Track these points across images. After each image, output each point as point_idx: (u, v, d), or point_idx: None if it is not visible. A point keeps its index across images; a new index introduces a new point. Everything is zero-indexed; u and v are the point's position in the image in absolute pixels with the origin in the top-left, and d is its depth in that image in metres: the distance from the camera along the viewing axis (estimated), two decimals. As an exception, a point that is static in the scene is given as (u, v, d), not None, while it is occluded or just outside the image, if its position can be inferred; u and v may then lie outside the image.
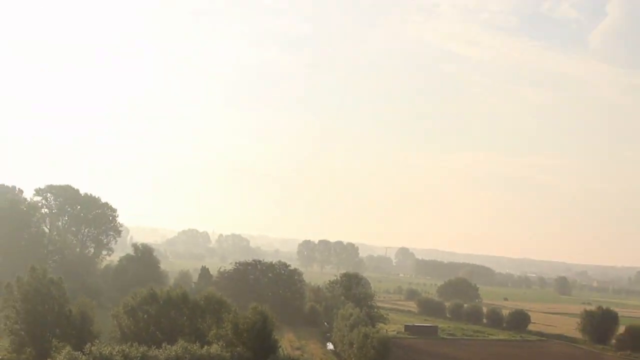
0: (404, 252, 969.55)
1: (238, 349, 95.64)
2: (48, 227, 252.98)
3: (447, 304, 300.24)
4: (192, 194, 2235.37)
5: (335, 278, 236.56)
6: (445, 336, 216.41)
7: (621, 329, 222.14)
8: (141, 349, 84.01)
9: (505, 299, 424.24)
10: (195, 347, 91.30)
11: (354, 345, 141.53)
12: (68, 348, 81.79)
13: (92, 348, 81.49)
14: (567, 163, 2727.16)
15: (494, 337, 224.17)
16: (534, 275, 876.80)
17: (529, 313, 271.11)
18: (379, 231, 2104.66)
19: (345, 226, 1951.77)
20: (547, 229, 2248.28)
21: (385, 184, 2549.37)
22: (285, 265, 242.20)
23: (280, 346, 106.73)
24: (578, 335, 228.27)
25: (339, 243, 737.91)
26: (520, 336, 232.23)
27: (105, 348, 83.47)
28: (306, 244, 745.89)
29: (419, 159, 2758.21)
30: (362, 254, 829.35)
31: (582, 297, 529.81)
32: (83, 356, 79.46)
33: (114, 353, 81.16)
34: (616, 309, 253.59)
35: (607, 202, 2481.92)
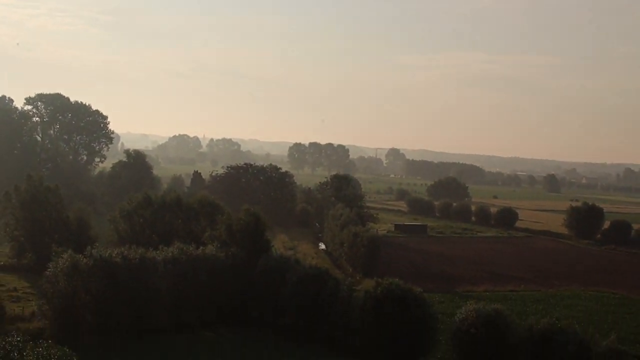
0: (394, 153, 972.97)
1: (232, 249, 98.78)
2: (40, 135, 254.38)
3: (436, 203, 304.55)
4: (183, 100, 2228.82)
5: (325, 180, 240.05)
6: (434, 234, 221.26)
7: (606, 225, 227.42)
8: (139, 251, 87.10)
9: (495, 197, 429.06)
10: (190, 248, 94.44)
11: (345, 244, 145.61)
12: (70, 251, 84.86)
13: (93, 251, 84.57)
14: (556, 61, 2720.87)
15: (482, 234, 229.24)
16: (523, 173, 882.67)
17: (517, 211, 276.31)
18: (370, 133, 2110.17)
19: (336, 128, 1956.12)
20: (537, 128, 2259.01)
21: (375, 85, 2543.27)
22: (276, 168, 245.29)
23: (272, 246, 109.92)
24: (564, 231, 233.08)
25: (330, 145, 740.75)
26: (508, 233, 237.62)
27: (105, 251, 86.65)
28: (297, 146, 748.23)
29: (410, 59, 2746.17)
30: (353, 155, 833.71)
31: (571, 194, 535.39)
32: (84, 259, 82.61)
33: (114, 255, 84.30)
34: (603, 205, 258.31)
35: (597, 101, 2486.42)
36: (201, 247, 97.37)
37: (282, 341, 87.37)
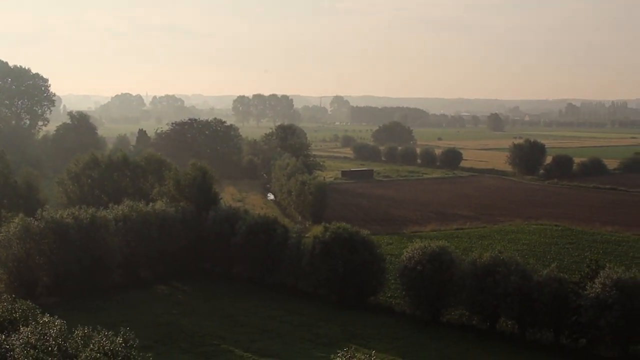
0: (338, 100, 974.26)
1: (181, 203, 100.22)
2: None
3: (381, 148, 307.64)
4: (123, 58, 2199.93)
5: (270, 131, 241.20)
6: (380, 179, 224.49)
7: (549, 160, 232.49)
8: (90, 211, 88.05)
9: (439, 139, 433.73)
10: (140, 205, 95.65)
11: (292, 193, 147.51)
12: (21, 215, 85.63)
13: (43, 213, 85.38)
14: (495, 0, 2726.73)
15: (428, 176, 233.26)
16: (467, 114, 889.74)
17: (462, 151, 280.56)
18: (314, 82, 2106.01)
19: (280, 79, 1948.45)
20: (479, 68, 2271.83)
21: (315, 33, 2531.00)
22: (221, 122, 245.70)
23: (221, 198, 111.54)
24: (508, 168, 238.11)
25: (274, 96, 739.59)
26: (453, 173, 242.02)
27: (55, 212, 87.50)
28: (241, 99, 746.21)
29: (348, 4, 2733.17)
30: (298, 105, 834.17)
31: (515, 132, 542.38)
32: (35, 221, 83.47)
33: (64, 216, 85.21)
34: (545, 141, 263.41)
35: (537, 37, 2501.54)
36: (151, 204, 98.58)
37: (234, 290, 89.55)
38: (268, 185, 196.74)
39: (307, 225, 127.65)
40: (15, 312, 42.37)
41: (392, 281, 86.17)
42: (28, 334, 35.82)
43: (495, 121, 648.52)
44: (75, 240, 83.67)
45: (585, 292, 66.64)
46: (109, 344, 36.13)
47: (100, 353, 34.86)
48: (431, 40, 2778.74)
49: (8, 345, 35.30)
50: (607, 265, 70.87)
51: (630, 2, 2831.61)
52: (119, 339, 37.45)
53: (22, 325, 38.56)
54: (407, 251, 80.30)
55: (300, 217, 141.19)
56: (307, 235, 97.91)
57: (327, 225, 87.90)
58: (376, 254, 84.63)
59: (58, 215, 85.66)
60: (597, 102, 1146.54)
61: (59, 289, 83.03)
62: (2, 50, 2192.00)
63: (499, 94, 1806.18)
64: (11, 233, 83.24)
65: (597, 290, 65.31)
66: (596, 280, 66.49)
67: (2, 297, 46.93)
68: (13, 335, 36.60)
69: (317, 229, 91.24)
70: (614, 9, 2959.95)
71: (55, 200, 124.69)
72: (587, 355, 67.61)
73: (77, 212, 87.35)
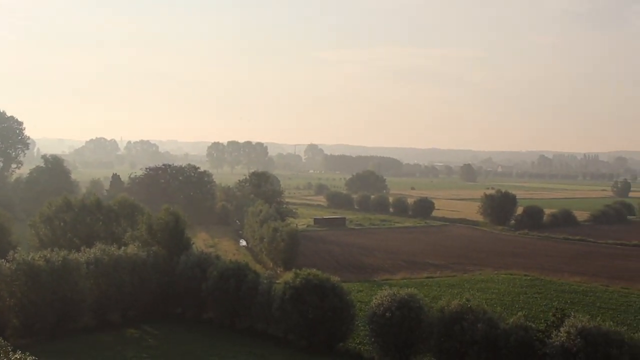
0: (312, 148, 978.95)
1: (153, 248, 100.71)
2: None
3: (354, 196, 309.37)
4: (98, 102, 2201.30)
5: (244, 177, 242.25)
6: (353, 226, 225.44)
7: (520, 210, 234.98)
8: (62, 253, 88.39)
9: (412, 189, 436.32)
10: (112, 249, 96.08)
11: (265, 239, 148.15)
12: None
13: (15, 255, 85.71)
14: (472, 54, 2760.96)
15: (400, 225, 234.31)
16: (440, 164, 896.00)
17: (434, 200, 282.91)
18: (288, 130, 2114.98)
19: (254, 127, 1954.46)
20: (454, 119, 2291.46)
21: (291, 82, 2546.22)
22: (195, 168, 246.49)
23: (193, 243, 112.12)
24: (479, 218, 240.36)
25: (248, 143, 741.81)
26: (425, 222, 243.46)
27: (27, 254, 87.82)
28: (215, 145, 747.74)
29: (326, 54, 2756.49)
30: (272, 152, 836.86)
31: (487, 182, 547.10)
32: (6, 263, 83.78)
33: (37, 258, 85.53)
34: (517, 192, 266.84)
35: (511, 90, 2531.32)
36: (123, 248, 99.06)
37: (205, 335, 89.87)
38: (241, 232, 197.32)
39: (279, 271, 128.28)
40: None
41: (362, 328, 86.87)
42: None
43: (468, 172, 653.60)
44: (47, 283, 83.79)
45: (551, 340, 67.73)
46: None
47: None
48: (406, 91, 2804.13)
49: None
50: (572, 314, 72.08)
51: (603, 58, 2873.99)
52: None
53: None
54: (376, 298, 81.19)
55: (272, 264, 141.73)
56: (278, 281, 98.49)
57: (298, 271, 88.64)
58: (346, 300, 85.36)
59: (30, 258, 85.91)
60: (569, 155, 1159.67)
61: (29, 331, 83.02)
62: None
63: (472, 145, 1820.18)
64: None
65: (562, 339, 66.41)
66: (561, 329, 67.66)
67: None
68: None
69: (288, 275, 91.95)
70: (587, 64, 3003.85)
71: (27, 243, 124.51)
72: (553, 403, 68.41)
73: (49, 255, 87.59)
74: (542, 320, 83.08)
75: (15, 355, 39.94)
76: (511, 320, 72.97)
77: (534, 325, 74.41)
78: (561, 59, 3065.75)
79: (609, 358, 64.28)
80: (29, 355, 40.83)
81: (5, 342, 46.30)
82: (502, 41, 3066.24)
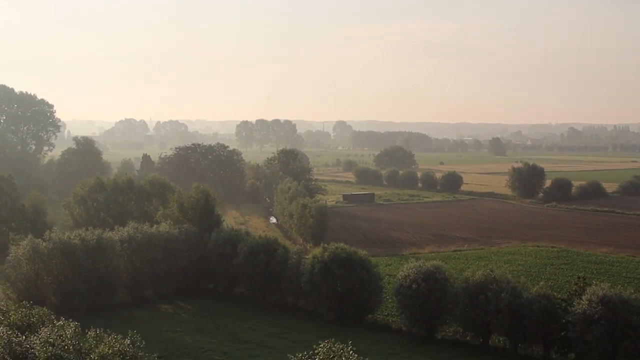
0: (341, 125, 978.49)
1: (185, 225, 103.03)
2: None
3: (383, 172, 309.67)
4: (127, 84, 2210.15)
5: (273, 155, 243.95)
6: (381, 202, 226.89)
7: (548, 183, 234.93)
8: (96, 232, 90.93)
9: (441, 163, 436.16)
10: (145, 227, 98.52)
11: (294, 216, 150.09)
12: (30, 236, 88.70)
13: (51, 235, 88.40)
14: (499, 26, 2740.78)
15: (428, 199, 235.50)
16: (469, 138, 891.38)
17: (463, 175, 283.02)
18: (317, 107, 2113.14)
19: (283, 105, 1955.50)
20: (483, 93, 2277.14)
21: (319, 59, 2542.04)
22: (224, 147, 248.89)
23: (223, 220, 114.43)
24: (508, 191, 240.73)
25: (276, 121, 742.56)
26: (453, 197, 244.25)
27: (63, 234, 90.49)
28: (244, 124, 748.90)
29: (353, 31, 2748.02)
30: (300, 130, 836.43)
31: (516, 156, 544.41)
32: (43, 242, 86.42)
33: (72, 237, 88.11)
34: (546, 165, 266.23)
35: (540, 62, 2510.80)
36: (155, 226, 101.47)
37: (237, 309, 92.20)
38: (270, 209, 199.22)
39: (308, 247, 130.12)
40: (33, 317, 45.72)
41: (390, 300, 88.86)
42: (47, 334, 38.96)
43: (497, 145, 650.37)
44: (82, 261, 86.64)
45: (573, 308, 69.24)
46: (118, 345, 39.29)
47: (110, 351, 38.00)
48: (435, 65, 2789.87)
49: (28, 344, 38.40)
50: (594, 282, 73.41)
51: (633, 29, 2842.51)
52: (127, 341, 40.59)
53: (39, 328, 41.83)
54: (402, 270, 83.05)
55: (301, 240, 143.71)
56: (307, 256, 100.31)
57: (326, 245, 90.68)
58: (373, 273, 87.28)
59: (66, 237, 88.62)
60: (599, 126, 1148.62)
61: (67, 308, 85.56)
62: (7, 77, 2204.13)
63: (501, 119, 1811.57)
64: (20, 254, 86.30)
65: (584, 307, 67.89)
66: (583, 297, 69.14)
67: (21, 303, 50.23)
68: (32, 336, 39.78)
69: (317, 250, 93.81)
70: (617, 35, 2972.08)
71: (61, 223, 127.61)
72: (576, 369, 70.17)
73: (84, 234, 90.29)
74: (567, 290, 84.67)
75: (59, 322, 42.37)
76: (534, 289, 74.53)
77: (555, 294, 76.05)
78: (591, 30, 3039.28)
79: (629, 324, 65.79)
80: (71, 321, 43.23)
81: (48, 310, 48.98)
82: (532, 13, 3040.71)
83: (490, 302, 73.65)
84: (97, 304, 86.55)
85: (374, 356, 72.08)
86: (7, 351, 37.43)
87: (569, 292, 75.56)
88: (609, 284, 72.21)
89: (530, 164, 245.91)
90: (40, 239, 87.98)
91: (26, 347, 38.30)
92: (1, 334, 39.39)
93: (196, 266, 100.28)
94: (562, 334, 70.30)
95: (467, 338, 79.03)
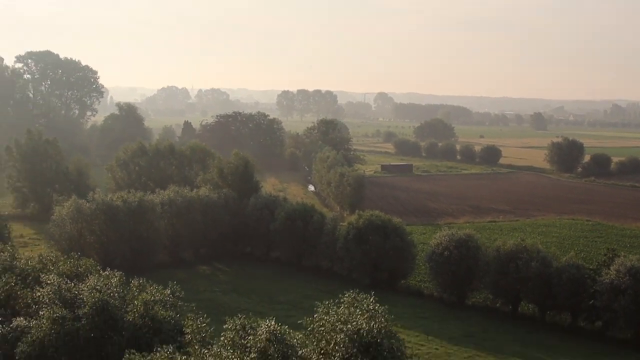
0: (382, 97, 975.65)
1: (224, 190, 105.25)
2: (32, 92, 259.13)
3: (422, 143, 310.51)
4: (169, 51, 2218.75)
5: (312, 125, 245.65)
6: (419, 173, 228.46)
7: (587, 158, 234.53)
8: (138, 194, 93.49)
9: (481, 137, 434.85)
10: (185, 191, 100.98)
11: (332, 184, 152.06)
12: (74, 197, 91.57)
13: (95, 196, 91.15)
14: (544, 0, 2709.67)
15: (466, 172, 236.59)
16: (511, 113, 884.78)
17: (502, 148, 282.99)
18: (358, 78, 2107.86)
19: (324, 75, 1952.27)
20: (526, 67, 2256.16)
21: (362, 30, 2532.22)
22: (265, 116, 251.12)
23: (262, 186, 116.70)
24: (547, 166, 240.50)
25: (317, 92, 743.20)
26: (492, 169, 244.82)
27: (106, 195, 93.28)
28: (285, 94, 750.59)
29: (396, 3, 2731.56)
30: (341, 101, 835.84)
31: (558, 131, 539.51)
32: (87, 203, 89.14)
33: (114, 199, 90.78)
34: (587, 141, 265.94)
35: (584, 38, 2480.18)
36: (195, 190, 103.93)
37: (273, 272, 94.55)
38: (309, 177, 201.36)
39: (345, 215, 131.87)
40: (80, 267, 48.38)
41: (422, 266, 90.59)
42: (94, 282, 41.47)
43: (539, 120, 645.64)
44: (124, 222, 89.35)
45: (601, 278, 70.63)
46: (159, 295, 41.69)
47: (152, 299, 40.43)
48: (477, 39, 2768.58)
49: (77, 291, 40.93)
50: (623, 254, 74.67)
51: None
52: (167, 291, 43.01)
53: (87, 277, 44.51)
54: (435, 237, 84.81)
55: (338, 208, 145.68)
56: (343, 223, 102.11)
57: (361, 212, 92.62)
58: (407, 240, 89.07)
59: (108, 198, 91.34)
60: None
61: (109, 267, 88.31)
62: (53, 43, 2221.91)
63: (544, 94, 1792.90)
64: (64, 213, 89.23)
65: (612, 277, 69.36)
66: (611, 267, 70.52)
67: (70, 254, 52.90)
68: (80, 284, 42.36)
69: (352, 217, 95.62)
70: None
71: (103, 186, 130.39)
72: (603, 336, 71.80)
73: (126, 196, 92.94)
74: (597, 262, 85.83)
75: (105, 272, 44.92)
76: (564, 259, 75.93)
77: (586, 265, 77.45)
78: (636, 5, 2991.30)
79: (656, 295, 67.07)
80: (116, 271, 45.76)
81: (94, 261, 51.66)
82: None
83: (520, 270, 75.23)
84: (137, 264, 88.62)
85: (406, 319, 74.07)
86: (57, 297, 40.10)
87: (598, 262, 76.88)
88: (638, 256, 73.34)
89: (570, 138, 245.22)
90: (83, 200, 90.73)
91: (74, 293, 40.92)
92: (52, 281, 42.15)
93: (234, 230, 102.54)
94: (590, 302, 71.80)
95: (497, 305, 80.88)
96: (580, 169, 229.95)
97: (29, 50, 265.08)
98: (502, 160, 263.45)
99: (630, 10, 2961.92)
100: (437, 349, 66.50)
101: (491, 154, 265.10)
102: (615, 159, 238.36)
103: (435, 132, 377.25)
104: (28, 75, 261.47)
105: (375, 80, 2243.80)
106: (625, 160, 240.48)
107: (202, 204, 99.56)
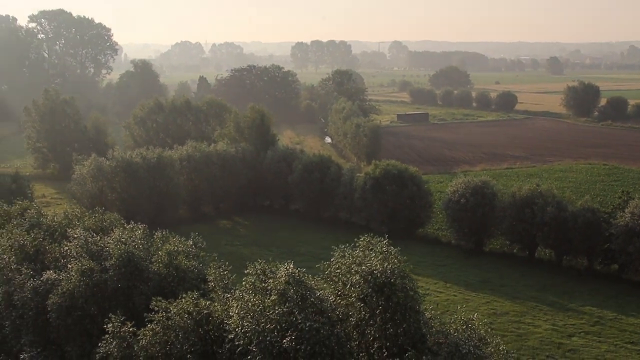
0: (397, 45, 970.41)
1: (241, 144, 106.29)
2: (47, 52, 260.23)
3: (437, 92, 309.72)
4: (181, 5, 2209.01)
5: (327, 76, 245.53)
6: (435, 122, 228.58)
7: (603, 102, 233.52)
8: (156, 151, 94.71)
9: (497, 83, 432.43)
10: (203, 146, 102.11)
11: (348, 135, 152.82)
12: (94, 155, 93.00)
13: (114, 153, 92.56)
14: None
15: (482, 119, 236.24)
16: (527, 58, 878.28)
17: (518, 94, 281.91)
18: (372, 27, 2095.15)
19: (338, 25, 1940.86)
20: (541, 10, 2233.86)
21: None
22: (279, 68, 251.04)
23: (278, 139, 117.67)
24: (563, 110, 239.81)
25: (332, 42, 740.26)
26: (508, 116, 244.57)
27: (125, 153, 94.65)
28: (299, 46, 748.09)
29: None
30: (356, 51, 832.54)
31: (574, 75, 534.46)
32: (107, 161, 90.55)
33: (134, 156, 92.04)
34: (604, 84, 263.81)
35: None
36: (212, 145, 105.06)
37: (292, 224, 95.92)
38: (325, 129, 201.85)
39: (362, 165, 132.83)
40: (105, 222, 49.89)
41: (440, 215, 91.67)
42: (119, 234, 43.00)
43: (555, 65, 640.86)
44: (144, 178, 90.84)
45: (616, 221, 71.43)
46: (182, 245, 43.22)
47: (175, 249, 42.04)
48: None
49: (103, 243, 42.47)
50: (637, 196, 75.39)
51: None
52: (190, 242, 44.49)
53: (112, 231, 46.12)
54: (451, 185, 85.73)
55: (355, 159, 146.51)
56: (360, 174, 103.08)
57: (378, 162, 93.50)
58: (424, 189, 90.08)
59: (127, 155, 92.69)
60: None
61: (130, 223, 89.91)
62: (65, 1, 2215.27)
63: (560, 37, 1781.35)
64: (85, 172, 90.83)
65: (627, 219, 70.13)
66: (626, 210, 71.27)
67: (95, 209, 54.40)
68: (105, 237, 43.95)
69: (369, 167, 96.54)
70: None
71: (122, 144, 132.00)
72: (619, 279, 72.77)
73: (144, 152, 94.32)
74: (612, 205, 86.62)
75: (129, 225, 46.36)
76: (579, 203, 76.68)
77: (600, 208, 78.24)
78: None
79: (671, 237, 67.86)
80: (140, 224, 47.25)
81: (119, 215, 53.18)
82: None
83: (536, 215, 76.13)
84: (158, 219, 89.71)
85: (425, 267, 75.59)
86: (84, 250, 41.79)
87: (613, 206, 77.63)
88: (652, 198, 74.16)
89: (586, 82, 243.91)
90: (103, 158, 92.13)
91: (101, 245, 42.64)
92: (79, 235, 43.75)
93: (253, 183, 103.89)
94: (606, 246, 72.74)
95: (514, 251, 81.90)
96: (596, 113, 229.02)
97: (41, 9, 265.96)
98: (518, 107, 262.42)
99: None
100: (455, 295, 67.88)
101: (507, 101, 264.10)
102: (632, 102, 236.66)
103: (450, 80, 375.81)
104: (42, 35, 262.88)
105: (390, 28, 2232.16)
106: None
107: (220, 159, 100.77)
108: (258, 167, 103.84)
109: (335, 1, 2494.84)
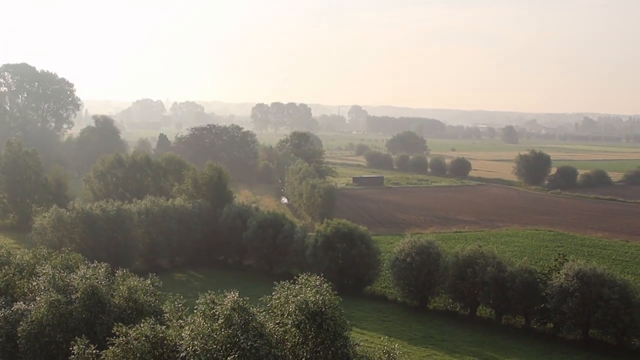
0: (356, 110, 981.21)
1: (199, 200, 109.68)
2: (8, 105, 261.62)
3: (394, 156, 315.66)
4: (144, 64, 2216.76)
5: (285, 137, 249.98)
6: (390, 185, 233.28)
7: (554, 171, 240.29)
8: (116, 204, 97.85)
9: (453, 150, 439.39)
10: (161, 201, 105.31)
11: (304, 195, 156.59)
12: (55, 206, 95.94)
13: (75, 205, 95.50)
14: (515, 13, 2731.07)
15: (436, 184, 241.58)
16: (484, 126, 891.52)
17: (473, 161, 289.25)
18: (332, 91, 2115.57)
19: (299, 88, 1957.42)
20: (498, 81, 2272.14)
21: (336, 43, 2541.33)
22: (239, 128, 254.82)
23: (235, 197, 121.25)
24: (515, 178, 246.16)
25: (292, 104, 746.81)
26: (461, 182, 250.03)
27: (85, 205, 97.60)
28: (259, 107, 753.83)
29: (369, 16, 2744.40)
30: (316, 114, 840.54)
31: (529, 145, 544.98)
32: (67, 212, 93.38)
33: (94, 208, 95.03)
34: (557, 154, 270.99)
35: (557, 51, 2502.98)
36: (170, 200, 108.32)
37: (245, 279, 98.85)
38: (282, 190, 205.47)
39: (316, 225, 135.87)
40: (71, 260, 53.51)
41: (388, 273, 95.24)
42: (84, 271, 46.76)
43: (510, 134, 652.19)
44: (103, 230, 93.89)
45: (552, 281, 75.63)
46: (141, 284, 47.17)
47: (136, 284, 46.12)
48: (451, 52, 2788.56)
49: (69, 279, 46.48)
50: (571, 258, 79.80)
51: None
52: (148, 281, 48.35)
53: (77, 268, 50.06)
54: (398, 245, 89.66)
55: (310, 219, 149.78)
56: (312, 233, 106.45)
57: (329, 221, 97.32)
58: (372, 247, 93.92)
59: (88, 207, 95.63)
60: (614, 117, 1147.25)
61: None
62: (28, 56, 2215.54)
63: (517, 107, 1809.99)
64: (46, 222, 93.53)
65: (561, 280, 74.38)
66: (560, 271, 75.59)
67: (61, 249, 57.88)
68: (71, 274, 47.84)
69: (321, 225, 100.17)
70: (634, 25, 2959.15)
71: (82, 197, 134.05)
72: (553, 337, 76.77)
73: (104, 205, 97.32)
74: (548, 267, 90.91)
75: (93, 264, 50.39)
76: (517, 264, 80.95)
77: (536, 269, 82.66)
78: (608, 19, 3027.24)
79: (601, 297, 71.99)
80: (103, 263, 51.24)
81: (81, 255, 56.86)
82: (550, 0, 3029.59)
83: (477, 274, 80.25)
84: (114, 270, 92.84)
85: (371, 322, 78.89)
86: (52, 284, 46.23)
87: (549, 267, 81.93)
88: (585, 260, 78.48)
89: (537, 151, 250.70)
90: (64, 209, 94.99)
91: (67, 281, 47.50)
92: (47, 271, 47.99)
93: (208, 238, 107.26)
94: (542, 305, 76.89)
95: (457, 309, 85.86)
96: (547, 182, 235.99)
97: (5, 63, 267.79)
98: (471, 173, 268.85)
99: (604, 26, 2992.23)
100: (397, 348, 71.01)
101: (461, 167, 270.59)
102: (581, 172, 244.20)
103: (407, 145, 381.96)
104: (5, 88, 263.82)
105: (350, 93, 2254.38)
106: (591, 173, 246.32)
107: (177, 214, 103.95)
108: (214, 223, 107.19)
109: (297, 65, 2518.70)
